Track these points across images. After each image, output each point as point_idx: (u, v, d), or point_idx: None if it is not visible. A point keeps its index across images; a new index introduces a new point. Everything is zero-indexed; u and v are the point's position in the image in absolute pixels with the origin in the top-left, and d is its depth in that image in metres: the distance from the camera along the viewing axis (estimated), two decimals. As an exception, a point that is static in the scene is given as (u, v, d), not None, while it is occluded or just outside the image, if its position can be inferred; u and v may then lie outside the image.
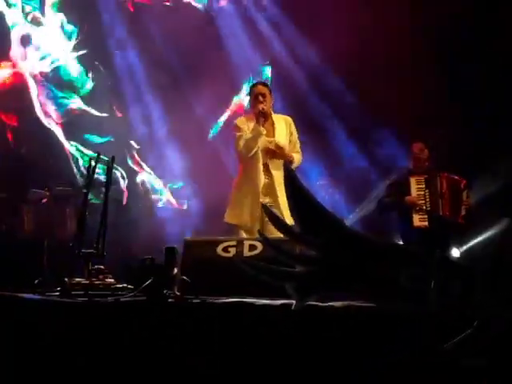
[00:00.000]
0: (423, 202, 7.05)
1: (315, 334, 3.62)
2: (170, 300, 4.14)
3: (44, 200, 8.23)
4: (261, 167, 6.10)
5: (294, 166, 6.29)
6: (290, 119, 6.37)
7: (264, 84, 6.47)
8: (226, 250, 4.50)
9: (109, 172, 5.13)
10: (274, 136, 6.22)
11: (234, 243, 4.53)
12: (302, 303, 3.49)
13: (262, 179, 6.08)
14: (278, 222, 3.52)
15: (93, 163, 5.11)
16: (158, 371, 3.69)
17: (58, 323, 3.86)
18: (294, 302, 3.52)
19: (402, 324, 3.51)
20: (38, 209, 8.14)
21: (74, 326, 3.83)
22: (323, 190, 9.27)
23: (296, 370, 3.58)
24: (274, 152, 6.15)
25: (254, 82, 6.68)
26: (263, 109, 6.15)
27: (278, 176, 6.11)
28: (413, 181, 7.11)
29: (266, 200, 6.02)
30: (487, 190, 8.13)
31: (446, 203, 7.05)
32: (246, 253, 4.46)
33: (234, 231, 6.04)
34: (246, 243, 4.50)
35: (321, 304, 3.77)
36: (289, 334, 3.62)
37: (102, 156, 5.17)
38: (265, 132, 6.14)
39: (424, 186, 7.10)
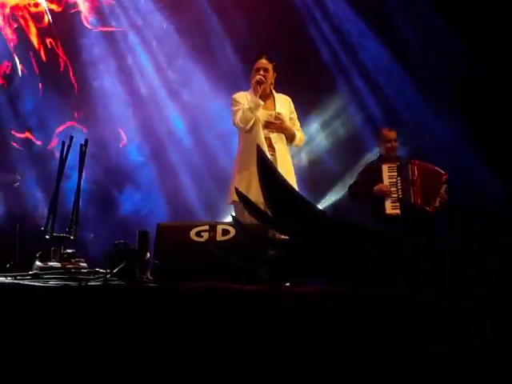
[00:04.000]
0: (395, 189, 7.02)
1: (288, 319, 3.63)
2: (142, 284, 4.14)
3: (16, 183, 8.17)
4: (263, 141, 6.05)
5: (296, 143, 6.31)
6: (289, 98, 6.38)
7: (268, 58, 6.40)
8: (199, 234, 4.50)
9: (82, 156, 5.10)
10: (274, 109, 6.21)
11: (206, 228, 4.53)
12: (274, 287, 3.52)
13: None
14: (251, 207, 3.55)
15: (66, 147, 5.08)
16: (131, 356, 3.69)
17: (31, 307, 3.84)
18: (266, 286, 3.55)
19: (374, 307, 3.54)
20: (10, 192, 8.09)
21: (46, 311, 3.81)
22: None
23: (269, 355, 3.59)
24: (275, 125, 6.14)
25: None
26: (260, 79, 6.14)
27: (280, 149, 6.15)
28: (385, 168, 7.06)
29: None
30: None
31: (418, 191, 6.99)
32: (219, 237, 4.46)
33: (237, 212, 5.71)
34: (219, 228, 4.50)
35: (294, 288, 3.79)
36: (261, 318, 3.63)
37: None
38: (263, 103, 6.13)
39: (396, 173, 7.05)
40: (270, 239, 3.86)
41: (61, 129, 8.99)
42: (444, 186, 7.05)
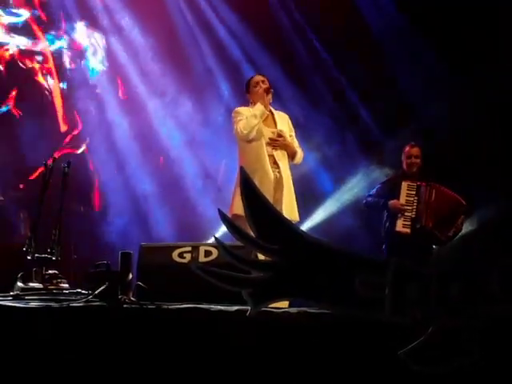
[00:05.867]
0: (410, 208, 6.98)
1: (270, 341, 3.63)
2: (124, 305, 4.12)
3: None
4: (266, 156, 6.04)
5: (296, 160, 6.29)
6: (287, 116, 6.40)
7: (262, 75, 6.47)
8: (181, 255, 4.50)
9: (64, 177, 5.09)
10: (275, 127, 6.21)
11: (189, 249, 4.52)
12: (257, 309, 3.51)
13: (271, 172, 6.01)
14: (234, 228, 3.54)
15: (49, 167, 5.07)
16: (112, 377, 3.67)
17: (11, 328, 3.82)
18: (249, 307, 3.54)
19: (358, 330, 3.54)
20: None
21: (27, 332, 3.79)
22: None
23: (251, 376, 3.58)
24: (278, 142, 6.12)
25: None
26: (268, 87, 6.20)
27: (284, 167, 6.14)
28: (404, 185, 7.04)
29: (277, 196, 5.95)
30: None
31: (431, 214, 6.93)
32: (202, 258, 4.46)
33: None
34: (202, 249, 4.50)
35: (276, 310, 3.79)
36: (244, 340, 3.62)
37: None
38: (267, 112, 6.17)
39: (415, 192, 7.02)
40: (252, 260, 3.85)
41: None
42: (461, 217, 7.02)
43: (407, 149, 7.23)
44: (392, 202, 7.02)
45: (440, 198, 7.02)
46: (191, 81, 9.55)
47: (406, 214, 6.99)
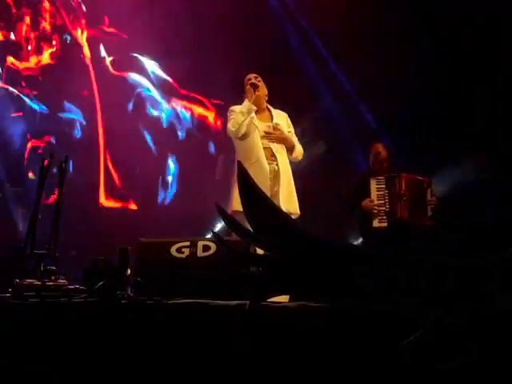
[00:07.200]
0: (383, 202, 7.01)
1: (270, 335, 3.62)
2: (123, 301, 4.12)
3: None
4: (261, 149, 6.05)
5: (295, 155, 6.30)
6: (285, 114, 6.41)
7: (254, 73, 6.49)
8: (179, 250, 4.49)
9: (62, 172, 5.07)
10: (272, 122, 6.23)
11: (187, 244, 4.51)
12: (256, 303, 3.51)
13: (266, 165, 6.02)
14: (231, 223, 3.53)
15: (46, 163, 5.05)
16: (110, 373, 3.67)
17: (9, 324, 3.81)
18: (248, 302, 3.53)
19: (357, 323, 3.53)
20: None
21: (26, 328, 3.78)
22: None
23: (250, 372, 3.58)
24: (275, 135, 6.14)
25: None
26: (254, 82, 6.24)
27: (282, 160, 6.16)
28: (373, 181, 7.06)
29: (275, 189, 5.98)
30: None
31: (405, 204, 6.96)
32: (200, 253, 4.45)
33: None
34: (200, 243, 4.49)
35: (275, 304, 3.78)
36: (243, 334, 3.61)
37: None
38: (255, 108, 6.16)
39: (384, 185, 7.04)
40: (251, 255, 3.85)
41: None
42: (428, 191, 7.02)
43: (372, 144, 7.37)
44: (364, 203, 7.05)
45: (409, 186, 7.04)
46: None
47: (380, 208, 7.00)
